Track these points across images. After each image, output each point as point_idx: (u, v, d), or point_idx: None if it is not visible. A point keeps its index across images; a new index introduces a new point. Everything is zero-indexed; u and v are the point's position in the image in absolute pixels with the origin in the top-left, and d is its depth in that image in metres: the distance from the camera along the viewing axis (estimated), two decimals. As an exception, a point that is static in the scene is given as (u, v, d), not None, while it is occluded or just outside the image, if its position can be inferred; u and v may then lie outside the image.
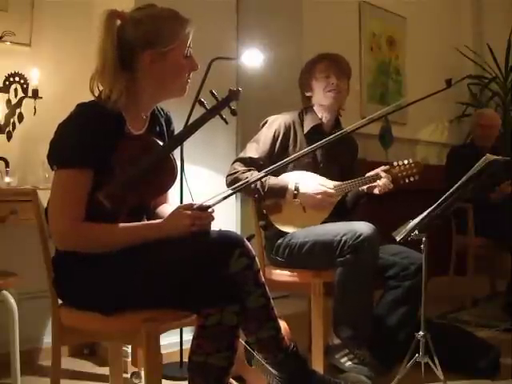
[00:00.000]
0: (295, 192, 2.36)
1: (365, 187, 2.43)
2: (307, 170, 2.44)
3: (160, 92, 1.67)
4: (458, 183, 1.92)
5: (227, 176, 2.40)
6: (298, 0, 3.70)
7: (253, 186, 2.33)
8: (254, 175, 2.29)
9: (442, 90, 2.03)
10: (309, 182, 2.39)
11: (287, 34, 3.62)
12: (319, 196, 2.35)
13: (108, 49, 1.57)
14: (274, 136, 2.45)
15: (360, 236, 2.17)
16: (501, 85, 4.93)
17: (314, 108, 2.56)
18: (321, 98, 2.50)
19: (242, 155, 2.45)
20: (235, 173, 2.37)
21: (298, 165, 2.42)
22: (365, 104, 4.19)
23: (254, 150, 2.43)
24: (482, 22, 5.34)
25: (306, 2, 3.72)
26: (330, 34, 3.83)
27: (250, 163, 2.40)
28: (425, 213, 1.98)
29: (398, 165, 2.43)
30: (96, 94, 1.61)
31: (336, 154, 2.53)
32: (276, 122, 2.49)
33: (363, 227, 2.20)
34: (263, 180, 2.34)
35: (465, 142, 4.67)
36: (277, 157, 2.38)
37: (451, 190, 1.93)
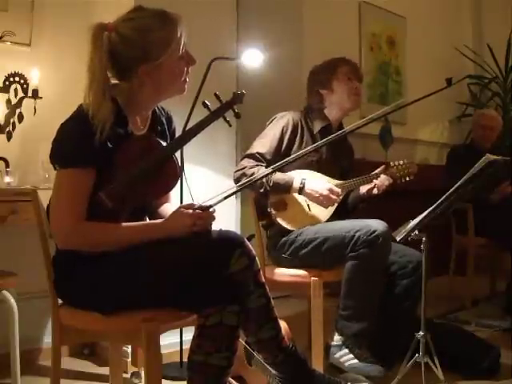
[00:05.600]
0: (301, 186, 2.35)
1: (364, 190, 2.46)
2: (311, 169, 2.45)
3: (159, 95, 1.68)
4: (458, 183, 1.92)
5: (235, 172, 2.40)
6: (298, 0, 3.71)
7: (259, 182, 2.33)
8: (260, 170, 2.30)
9: (443, 88, 2.03)
10: (315, 179, 2.40)
11: (287, 34, 3.62)
12: (326, 192, 2.34)
13: (96, 68, 1.54)
14: (281, 132, 2.45)
15: (374, 232, 2.17)
16: (501, 85, 4.93)
17: (326, 108, 2.56)
18: (344, 99, 2.52)
19: (249, 151, 2.44)
20: (242, 168, 2.36)
21: (302, 163, 2.42)
22: (365, 104, 4.19)
23: (261, 146, 2.43)
24: (481, 22, 5.35)
25: (306, 2, 3.73)
26: (330, 34, 3.84)
27: (257, 158, 2.39)
28: (425, 213, 1.97)
29: (394, 165, 2.50)
30: None
31: (337, 155, 2.56)
32: (284, 119, 2.49)
33: (377, 224, 2.21)
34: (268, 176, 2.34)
35: (465, 142, 4.67)
36: (284, 153, 2.40)
37: (451, 190, 1.92)
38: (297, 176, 2.38)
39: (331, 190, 2.35)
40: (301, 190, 2.35)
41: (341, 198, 2.43)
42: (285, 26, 3.66)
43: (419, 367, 2.00)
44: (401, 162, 2.49)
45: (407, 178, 2.50)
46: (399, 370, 2.07)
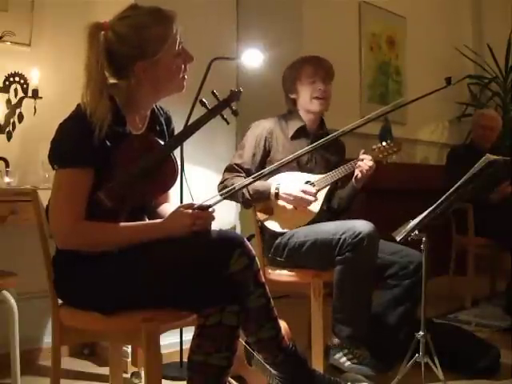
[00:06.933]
0: (276, 192, 2.39)
1: (353, 180, 2.46)
2: (293, 170, 2.47)
3: (157, 93, 1.68)
4: (458, 183, 1.92)
5: (218, 185, 2.47)
6: (298, 0, 3.71)
7: (239, 192, 2.38)
8: (239, 181, 2.34)
9: (442, 88, 2.04)
10: (290, 183, 2.41)
11: (287, 34, 3.62)
12: (300, 195, 2.36)
13: (93, 67, 1.55)
14: (256, 140, 2.50)
15: (359, 234, 2.17)
16: (501, 85, 4.93)
17: (299, 111, 2.57)
18: (307, 103, 2.53)
19: (229, 163, 2.51)
20: (223, 181, 2.44)
21: (284, 165, 2.43)
22: (365, 104, 4.19)
23: (238, 157, 2.50)
24: (481, 22, 5.35)
25: (306, 2, 3.73)
26: (330, 34, 3.84)
27: (235, 170, 2.46)
28: (425, 213, 1.97)
29: (377, 147, 2.49)
30: None
31: (323, 155, 2.57)
32: (259, 127, 2.53)
33: (362, 225, 2.21)
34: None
35: (465, 142, 4.67)
36: (261, 160, 2.47)
37: (451, 190, 1.92)
38: (273, 182, 2.41)
39: (304, 191, 2.36)
40: (277, 196, 2.39)
41: (324, 191, 2.44)
42: (285, 26, 3.66)
43: (419, 367, 2.00)
44: (384, 144, 2.49)
45: (393, 157, 2.49)
46: (399, 370, 2.07)
